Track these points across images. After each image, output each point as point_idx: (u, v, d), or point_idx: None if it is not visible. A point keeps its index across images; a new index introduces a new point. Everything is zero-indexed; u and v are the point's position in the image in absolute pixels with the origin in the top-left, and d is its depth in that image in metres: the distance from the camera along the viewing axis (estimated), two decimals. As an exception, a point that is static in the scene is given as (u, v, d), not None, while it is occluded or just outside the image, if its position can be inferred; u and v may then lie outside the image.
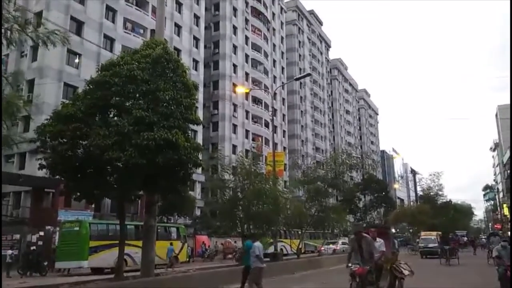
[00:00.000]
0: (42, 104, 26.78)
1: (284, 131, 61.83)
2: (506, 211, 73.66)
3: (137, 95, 12.95)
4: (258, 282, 10.34)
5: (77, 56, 31.77)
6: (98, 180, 12.89)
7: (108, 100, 12.78)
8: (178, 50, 39.60)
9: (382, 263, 9.18)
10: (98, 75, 13.38)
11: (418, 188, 78.91)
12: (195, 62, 44.65)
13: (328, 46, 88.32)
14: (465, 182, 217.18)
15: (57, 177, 13.73)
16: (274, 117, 32.60)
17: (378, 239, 9.32)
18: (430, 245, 28.31)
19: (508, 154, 70.25)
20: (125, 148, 11.75)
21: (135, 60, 13.01)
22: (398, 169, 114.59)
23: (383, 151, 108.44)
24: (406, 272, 9.77)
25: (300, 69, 69.88)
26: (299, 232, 32.55)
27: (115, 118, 13.28)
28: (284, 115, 62.57)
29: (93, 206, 25.81)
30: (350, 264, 8.22)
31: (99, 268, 19.54)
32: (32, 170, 26.01)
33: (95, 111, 13.15)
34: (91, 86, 13.34)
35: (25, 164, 28.61)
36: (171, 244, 22.48)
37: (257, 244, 10.85)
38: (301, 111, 69.83)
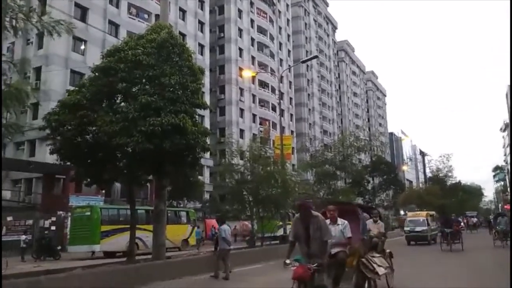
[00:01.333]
0: (49, 91, 26.92)
1: (291, 115, 61.59)
2: (516, 191, 73.17)
3: (143, 80, 12.96)
4: (226, 260, 11.06)
5: (83, 42, 31.74)
6: (107, 166, 13.03)
7: (114, 87, 12.81)
8: (183, 35, 39.32)
9: (344, 257, 6.18)
10: (103, 61, 13.38)
11: (427, 170, 78.67)
12: (201, 46, 44.37)
13: (334, 27, 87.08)
14: (475, 163, 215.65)
15: (67, 163, 13.91)
16: (281, 101, 32.51)
17: (340, 221, 6.52)
18: (418, 229, 23.19)
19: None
20: (132, 134, 11.82)
21: (140, 45, 12.98)
22: (406, 150, 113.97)
23: (391, 133, 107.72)
24: (381, 270, 7.01)
25: (306, 51, 69.09)
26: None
27: (122, 104, 13.33)
28: (291, 98, 62.23)
29: (103, 191, 26.14)
30: (288, 261, 5.37)
31: (111, 252, 19.88)
32: (42, 157, 26.35)
33: (101, 98, 13.21)
34: (96, 73, 13.35)
35: (35, 151, 28.96)
36: (198, 227, 25.17)
37: (224, 227, 11.28)
38: (308, 94, 69.36)
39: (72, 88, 15.67)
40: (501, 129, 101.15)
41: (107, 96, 13.27)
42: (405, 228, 24.47)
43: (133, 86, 13.01)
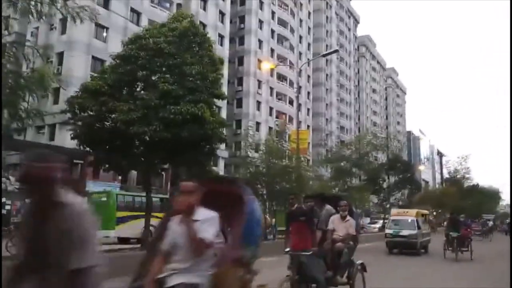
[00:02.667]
0: (71, 77, 27.27)
1: (308, 109, 61.15)
2: (536, 196, 71.37)
3: (163, 69, 12.98)
4: None
5: (105, 29, 31.98)
6: (125, 153, 13.13)
7: (135, 74, 12.88)
8: (204, 25, 39.20)
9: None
10: (124, 49, 13.44)
11: (445, 171, 77.47)
12: (221, 37, 44.24)
13: (356, 22, 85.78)
14: (493, 165, 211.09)
15: (86, 149, 14.07)
16: (299, 95, 32.20)
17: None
18: (404, 232, 17.29)
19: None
20: (151, 122, 11.87)
21: (162, 34, 13.00)
22: (424, 150, 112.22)
23: (409, 132, 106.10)
24: None
25: (327, 45, 68.30)
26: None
27: (142, 92, 13.39)
28: (309, 92, 61.74)
29: (120, 178, 26.44)
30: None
31: (126, 238, 20.13)
32: (61, 141, 26.75)
33: (122, 85, 13.29)
34: (117, 61, 13.42)
35: (54, 136, 29.45)
36: None
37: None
38: (327, 89, 68.69)
39: (94, 74, 15.81)
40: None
41: (127, 84, 13.34)
42: (387, 231, 18.55)
43: (153, 74, 13.06)
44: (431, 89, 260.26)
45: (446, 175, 71.05)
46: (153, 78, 13.02)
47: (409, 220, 18.17)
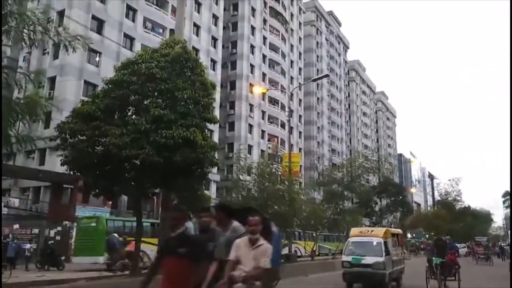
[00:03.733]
0: (62, 101, 27.27)
1: (300, 132, 61.56)
2: (527, 218, 71.78)
3: (156, 93, 13.07)
4: None
5: (98, 54, 32.24)
6: (116, 177, 13.04)
7: (127, 99, 12.95)
8: (196, 50, 39.81)
9: None
10: (116, 74, 13.54)
11: (436, 193, 77.76)
12: (213, 62, 44.83)
13: (346, 47, 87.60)
14: (484, 188, 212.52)
15: (77, 173, 13.95)
16: (291, 118, 32.52)
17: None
18: (368, 260, 12.67)
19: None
20: (143, 146, 11.86)
21: (154, 59, 13.14)
22: (415, 173, 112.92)
23: (400, 155, 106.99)
24: None
25: (317, 70, 69.45)
26: (314, 234, 32.36)
27: (133, 116, 13.43)
28: (300, 116, 62.30)
29: (110, 202, 26.13)
30: None
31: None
32: (51, 166, 26.50)
33: (114, 110, 13.32)
34: (109, 85, 13.51)
35: (45, 160, 29.17)
36: None
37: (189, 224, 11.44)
38: (318, 113, 69.40)
39: (85, 99, 15.85)
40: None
41: (119, 108, 13.38)
42: (344, 258, 13.60)
43: (145, 99, 13.14)
44: (420, 112, 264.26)
45: (437, 198, 71.33)
46: (145, 102, 13.09)
47: (374, 243, 13.06)
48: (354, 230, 15.45)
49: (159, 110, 12.21)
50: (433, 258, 12.77)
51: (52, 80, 30.42)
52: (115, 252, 17.39)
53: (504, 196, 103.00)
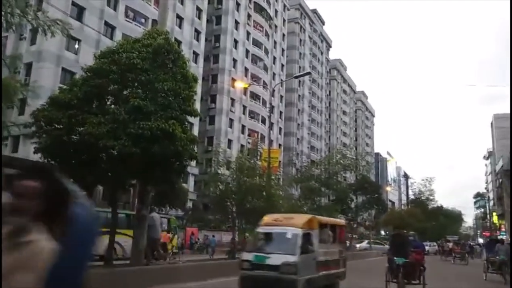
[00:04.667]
0: (39, 88, 26.61)
1: (280, 128, 61.85)
2: (495, 219, 74.39)
3: (135, 84, 12.93)
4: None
5: (77, 42, 31.55)
6: (92, 167, 12.86)
7: (106, 88, 12.76)
8: (178, 42, 39.39)
9: None
10: (96, 62, 13.33)
11: (410, 192, 79.52)
12: (195, 54, 44.49)
13: (329, 46, 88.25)
14: (456, 188, 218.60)
15: (51, 162, 13.69)
16: (271, 114, 32.65)
17: None
18: (273, 260, 8.78)
19: (500, 163, 70.72)
20: (120, 137, 11.73)
21: (136, 49, 12.97)
22: (391, 172, 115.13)
23: (377, 154, 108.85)
24: None
25: (300, 67, 69.82)
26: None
27: (112, 106, 13.26)
28: (281, 112, 62.58)
29: (85, 193, 25.72)
30: None
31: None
32: (25, 154, 25.85)
33: (92, 98, 13.11)
34: (88, 73, 13.28)
35: (18, 148, 28.45)
36: (213, 236, 25.01)
37: (154, 214, 12.83)
38: (299, 110, 69.84)
39: (63, 86, 15.55)
40: (484, 157, 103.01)
41: (97, 98, 13.18)
42: (244, 256, 9.94)
43: (124, 89, 12.98)
44: (399, 113, 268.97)
45: (411, 196, 72.97)
46: (125, 93, 12.93)
47: (288, 236, 9.38)
48: (267, 218, 10.98)
49: (138, 101, 12.07)
50: (395, 258, 10.82)
51: (29, 66, 29.62)
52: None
53: (475, 197, 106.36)
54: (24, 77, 28.40)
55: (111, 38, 31.50)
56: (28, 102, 24.27)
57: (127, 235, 18.41)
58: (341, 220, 15.98)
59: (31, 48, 30.15)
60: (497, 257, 15.92)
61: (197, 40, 45.58)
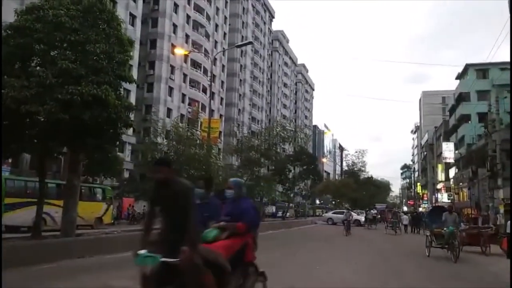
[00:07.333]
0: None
1: (221, 98, 61.33)
2: (419, 189, 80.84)
3: (64, 44, 12.01)
4: None
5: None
6: (15, 134, 11.92)
7: (30, 48, 11.73)
8: (113, 2, 36.97)
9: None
10: (18, 19, 12.15)
11: (344, 164, 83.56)
12: (132, 16, 42.12)
13: (272, 16, 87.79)
14: (387, 160, 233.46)
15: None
16: (213, 83, 32.13)
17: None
18: None
19: (426, 137, 76.25)
20: (46, 102, 10.92)
21: (64, 6, 11.98)
22: (327, 144, 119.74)
23: (315, 126, 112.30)
24: None
25: (242, 36, 68.95)
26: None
27: (38, 68, 12.25)
28: (222, 82, 61.88)
29: (10, 161, 24.00)
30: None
31: (15, 227, 18.40)
32: None
33: (14, 60, 12.01)
34: (9, 32, 12.09)
35: None
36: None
37: None
38: (240, 80, 69.50)
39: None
40: (412, 131, 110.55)
41: (21, 59, 12.08)
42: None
43: (51, 49, 12.00)
44: (335, 86, 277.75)
45: (345, 168, 76.89)
46: (52, 54, 11.97)
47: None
48: None
49: (67, 63, 11.26)
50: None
51: None
52: None
53: (402, 168, 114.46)
54: None
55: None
56: None
57: (55, 205, 17.62)
58: None
59: None
60: (444, 228, 12.72)
61: (134, 1, 43.06)
